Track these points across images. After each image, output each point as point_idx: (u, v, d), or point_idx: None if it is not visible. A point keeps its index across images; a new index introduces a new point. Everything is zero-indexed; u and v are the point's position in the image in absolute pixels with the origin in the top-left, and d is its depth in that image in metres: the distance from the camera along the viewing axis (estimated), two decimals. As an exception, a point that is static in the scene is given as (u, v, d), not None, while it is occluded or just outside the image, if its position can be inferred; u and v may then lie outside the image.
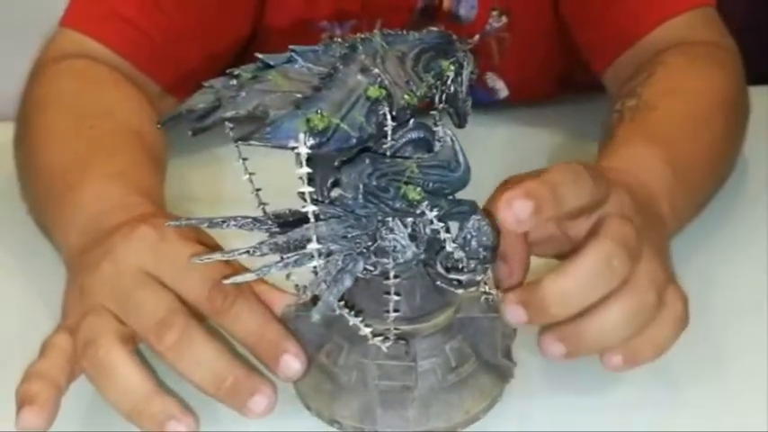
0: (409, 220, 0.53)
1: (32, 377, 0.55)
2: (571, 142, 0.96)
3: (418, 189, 0.51)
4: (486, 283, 0.57)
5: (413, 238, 0.54)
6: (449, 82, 0.56)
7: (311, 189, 0.49)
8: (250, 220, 0.54)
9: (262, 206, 0.57)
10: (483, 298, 0.57)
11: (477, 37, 0.59)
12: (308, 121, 0.48)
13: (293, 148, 0.48)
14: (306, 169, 0.49)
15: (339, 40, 0.54)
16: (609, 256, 0.54)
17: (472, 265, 0.54)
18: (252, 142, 0.48)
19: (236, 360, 0.57)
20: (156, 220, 0.62)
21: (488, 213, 0.54)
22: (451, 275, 0.54)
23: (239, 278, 0.54)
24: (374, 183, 0.50)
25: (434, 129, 0.55)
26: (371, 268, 0.54)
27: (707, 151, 0.75)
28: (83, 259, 0.63)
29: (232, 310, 0.57)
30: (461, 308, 0.58)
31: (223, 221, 0.54)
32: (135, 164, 0.74)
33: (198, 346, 0.56)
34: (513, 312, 0.55)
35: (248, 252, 0.53)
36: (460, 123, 0.58)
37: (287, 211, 0.54)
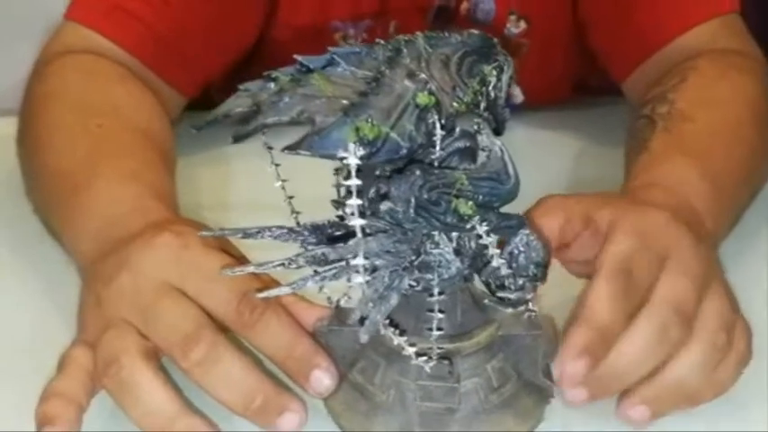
0: (455, 234, 0.50)
1: (52, 396, 0.51)
2: (588, 146, 0.93)
3: (470, 203, 0.47)
4: (529, 300, 0.53)
5: (458, 252, 0.50)
6: (490, 87, 0.53)
7: (359, 202, 0.46)
8: (286, 230, 0.50)
9: (295, 215, 0.54)
10: (526, 315, 0.54)
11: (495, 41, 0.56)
12: (357, 129, 0.45)
13: (342, 159, 0.45)
14: (356, 181, 0.45)
15: (381, 41, 0.51)
16: (664, 326, 0.53)
17: (520, 283, 0.51)
18: (300, 152, 0.44)
19: (265, 377, 0.53)
20: (177, 227, 0.58)
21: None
22: (500, 293, 0.51)
23: (274, 291, 0.50)
24: (425, 196, 0.47)
25: (478, 137, 0.51)
26: (415, 284, 0.50)
27: (743, 164, 0.72)
28: (99, 268, 0.59)
29: (260, 323, 0.54)
30: (502, 325, 0.54)
31: (258, 232, 0.50)
32: (147, 165, 0.70)
33: (226, 363, 0.52)
34: (574, 393, 0.52)
35: (283, 264, 0.49)
36: (499, 130, 0.55)
37: (326, 223, 0.50)
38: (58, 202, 0.69)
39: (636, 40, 0.86)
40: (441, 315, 0.50)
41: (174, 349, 0.53)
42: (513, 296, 0.51)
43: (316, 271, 0.50)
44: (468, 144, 0.50)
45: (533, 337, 0.54)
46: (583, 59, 0.96)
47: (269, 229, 0.50)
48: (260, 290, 0.51)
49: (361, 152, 0.45)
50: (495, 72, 0.53)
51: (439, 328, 0.50)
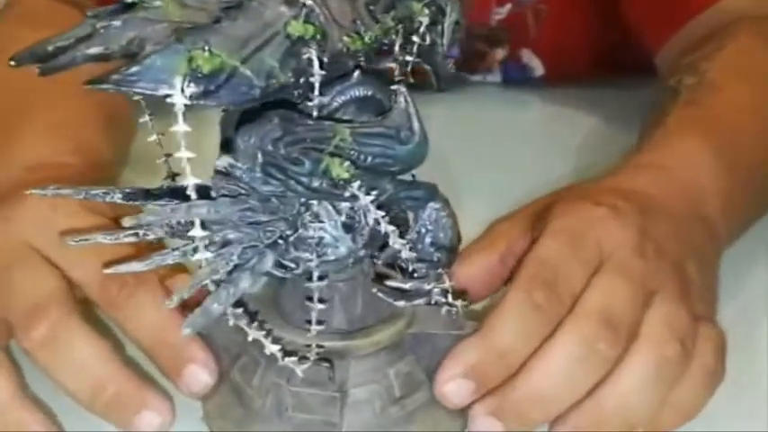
0: (344, 205, 0.37)
1: None
2: (608, 127, 0.81)
3: (347, 164, 0.35)
4: (448, 292, 0.41)
5: (349, 228, 0.38)
6: (421, 29, 0.40)
7: (191, 155, 0.34)
8: (141, 192, 0.39)
9: (170, 176, 0.42)
10: (444, 309, 0.41)
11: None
12: (190, 60, 0.33)
13: (166, 97, 0.33)
14: (183, 127, 0.33)
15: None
16: (588, 340, 0.40)
17: (423, 270, 0.38)
18: (104, 86, 0.33)
19: (122, 367, 0.42)
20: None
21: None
22: (393, 282, 0.38)
23: (123, 267, 0.39)
24: (281, 151, 0.35)
25: (392, 88, 0.39)
26: (292, 265, 0.38)
27: None
28: None
29: (129, 302, 0.43)
30: (416, 321, 0.42)
31: (105, 193, 0.39)
32: (77, 117, 0.60)
33: (73, 345, 0.42)
34: (486, 425, 0.40)
35: (136, 234, 0.38)
36: (440, 86, 0.43)
37: (184, 186, 0.38)
38: None
39: (671, 5, 0.74)
40: (321, 305, 0.38)
41: (17, 324, 0.42)
42: (408, 286, 0.38)
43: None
44: (369, 92, 0.38)
45: (452, 338, 0.41)
46: (610, 30, 0.82)
47: (121, 189, 0.39)
48: (108, 264, 0.39)
49: (193, 89, 0.33)
50: (427, 11, 0.40)
51: (320, 322, 0.38)
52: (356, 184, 0.35)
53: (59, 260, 0.45)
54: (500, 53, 0.90)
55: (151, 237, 0.39)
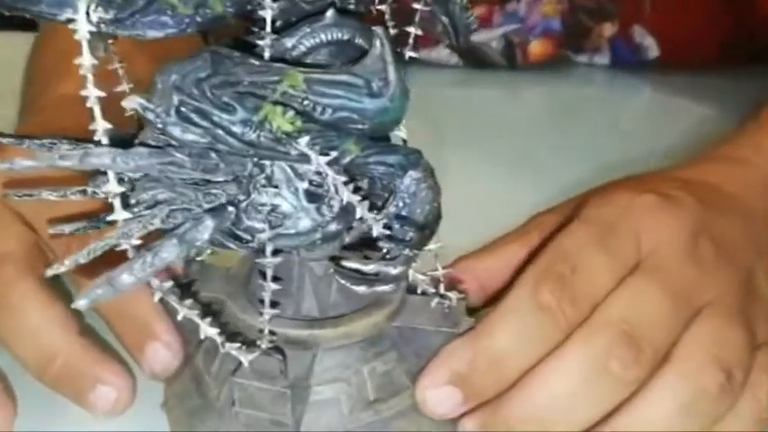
0: (307, 168, 0.31)
1: None
2: (725, 120, 0.69)
3: (290, 114, 0.29)
4: (440, 282, 0.34)
5: (314, 197, 0.31)
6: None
7: (101, 94, 0.28)
8: (91, 143, 0.33)
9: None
10: (435, 301, 0.34)
11: None
12: (99, -20, 0.27)
13: (69, 22, 0.27)
14: (88, 59, 0.27)
15: None
16: (603, 356, 0.32)
17: (395, 250, 0.31)
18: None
19: (75, 336, 0.37)
20: None
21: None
22: (351, 263, 0.32)
23: (68, 227, 0.34)
24: (208, 94, 0.28)
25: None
26: (247, 237, 0.32)
27: None
28: None
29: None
30: (402, 312, 0.35)
31: (51, 143, 0.33)
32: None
33: (22, 309, 0.38)
34: None
35: (84, 192, 0.33)
36: (457, 40, 0.36)
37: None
38: (23, 104, 0.58)
39: None
40: (275, 286, 0.32)
41: None
42: (371, 269, 0.31)
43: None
44: (346, 36, 0.31)
45: (444, 336, 0.34)
46: (739, 10, 0.73)
47: (68, 140, 0.34)
48: (52, 222, 0.34)
49: (101, 14, 0.27)
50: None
51: (275, 304, 0.32)
52: (304, 140, 0.29)
53: (32, 218, 0.41)
54: (608, 29, 0.82)
55: (101, 195, 0.33)
